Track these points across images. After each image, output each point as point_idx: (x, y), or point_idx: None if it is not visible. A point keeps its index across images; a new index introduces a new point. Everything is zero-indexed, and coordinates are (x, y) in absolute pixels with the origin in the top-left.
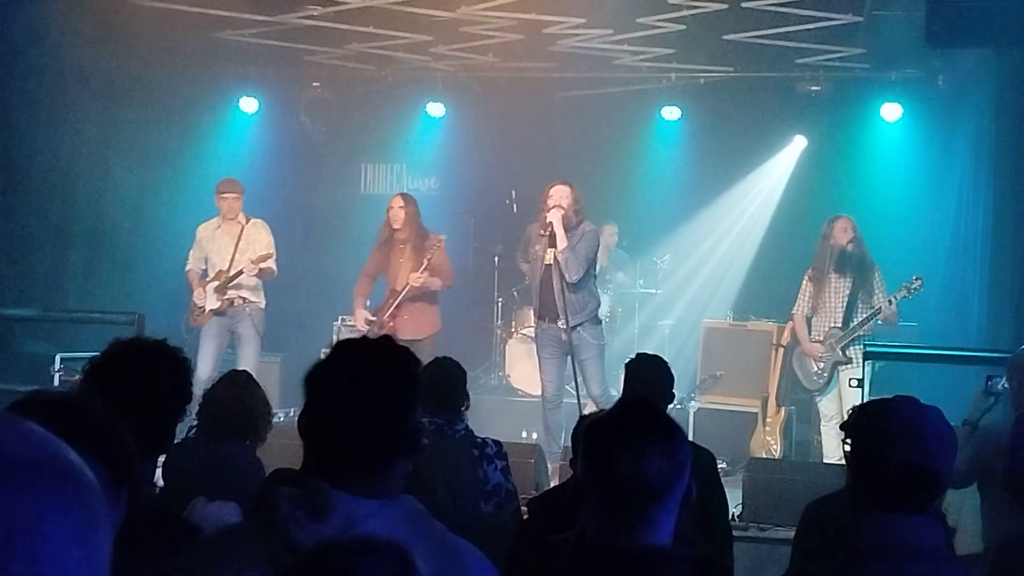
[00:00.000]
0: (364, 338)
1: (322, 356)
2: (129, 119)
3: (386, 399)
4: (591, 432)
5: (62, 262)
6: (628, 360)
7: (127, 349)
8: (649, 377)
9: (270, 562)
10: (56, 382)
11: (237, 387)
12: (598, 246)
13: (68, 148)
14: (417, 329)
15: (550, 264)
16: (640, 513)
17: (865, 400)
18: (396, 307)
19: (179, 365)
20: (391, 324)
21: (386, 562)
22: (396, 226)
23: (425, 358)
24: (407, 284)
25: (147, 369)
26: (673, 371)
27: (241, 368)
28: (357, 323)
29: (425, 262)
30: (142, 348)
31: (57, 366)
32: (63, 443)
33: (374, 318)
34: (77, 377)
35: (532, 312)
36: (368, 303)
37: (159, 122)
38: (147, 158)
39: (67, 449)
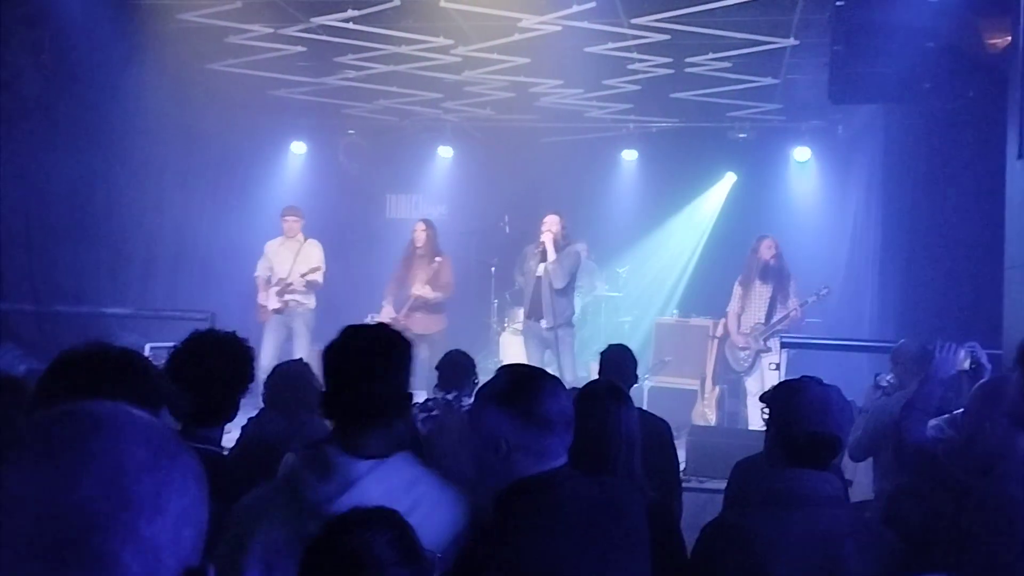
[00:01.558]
0: (363, 324)
1: None
2: (206, 158)
3: (375, 369)
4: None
5: (150, 272)
6: (602, 350)
7: (202, 339)
8: (619, 361)
9: (294, 521)
10: None
11: (300, 370)
12: (580, 262)
13: (155, 181)
14: (426, 326)
15: (540, 276)
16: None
17: (781, 380)
18: (410, 309)
19: (243, 352)
20: (406, 322)
21: (386, 529)
22: (418, 245)
23: (435, 349)
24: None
25: (217, 355)
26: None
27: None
28: (383, 318)
29: (429, 279)
30: (214, 338)
31: (147, 353)
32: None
33: (396, 315)
34: (162, 363)
35: (522, 312)
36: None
37: (229, 160)
38: (219, 189)
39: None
